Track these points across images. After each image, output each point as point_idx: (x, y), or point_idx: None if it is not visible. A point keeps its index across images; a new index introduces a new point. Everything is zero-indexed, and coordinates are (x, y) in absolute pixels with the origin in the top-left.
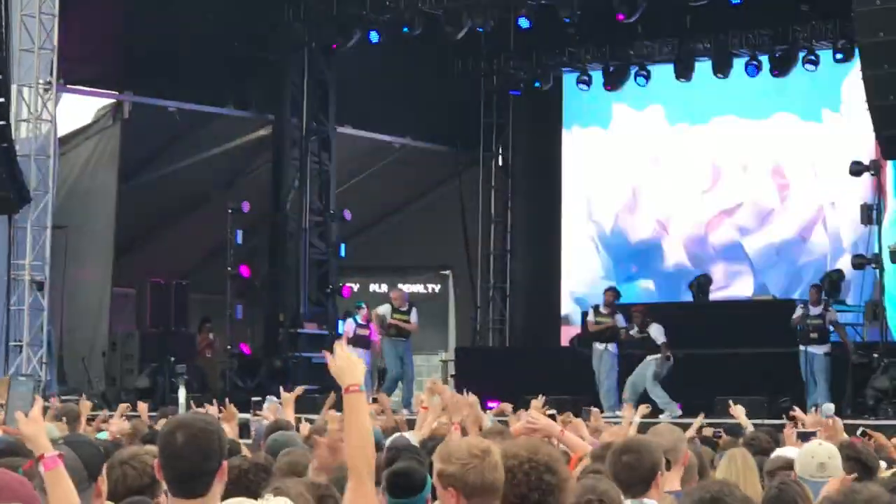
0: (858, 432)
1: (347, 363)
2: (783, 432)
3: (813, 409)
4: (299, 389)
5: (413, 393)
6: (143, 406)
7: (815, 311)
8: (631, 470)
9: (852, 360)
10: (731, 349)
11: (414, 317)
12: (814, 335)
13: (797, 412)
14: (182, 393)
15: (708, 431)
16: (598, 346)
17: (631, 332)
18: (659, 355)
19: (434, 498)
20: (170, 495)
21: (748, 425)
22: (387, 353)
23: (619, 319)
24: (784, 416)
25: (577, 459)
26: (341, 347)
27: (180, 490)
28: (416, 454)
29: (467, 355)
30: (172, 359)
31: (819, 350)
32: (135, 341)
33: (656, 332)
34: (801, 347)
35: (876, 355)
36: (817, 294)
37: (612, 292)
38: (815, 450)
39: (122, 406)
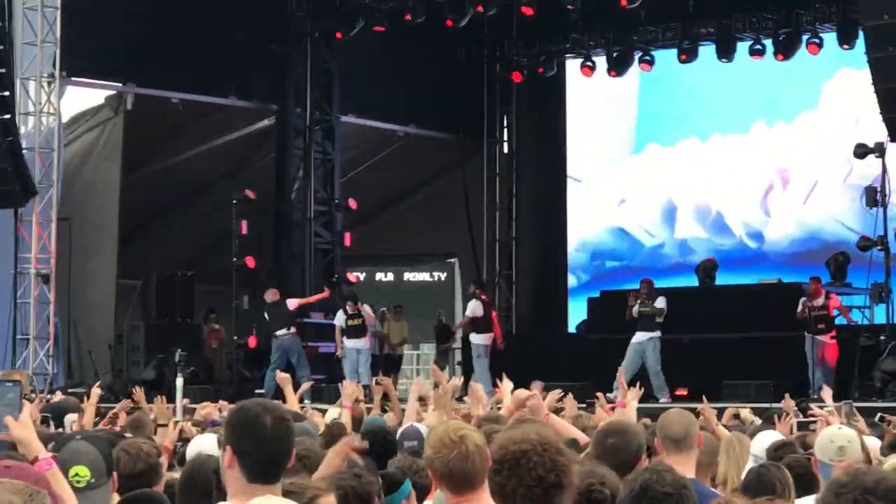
0: (877, 418)
1: None
2: (780, 418)
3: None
4: (306, 386)
5: None
6: (139, 392)
7: (818, 302)
8: (616, 452)
9: (860, 342)
10: (737, 333)
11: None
12: (821, 326)
13: (815, 410)
14: (180, 382)
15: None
16: None
17: (633, 308)
18: (656, 333)
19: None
20: (238, 480)
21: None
22: None
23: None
24: (802, 415)
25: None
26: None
27: (264, 474)
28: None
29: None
30: (179, 350)
31: (827, 338)
32: (140, 333)
33: (662, 303)
34: (808, 335)
35: (883, 337)
36: (816, 284)
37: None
38: (834, 434)
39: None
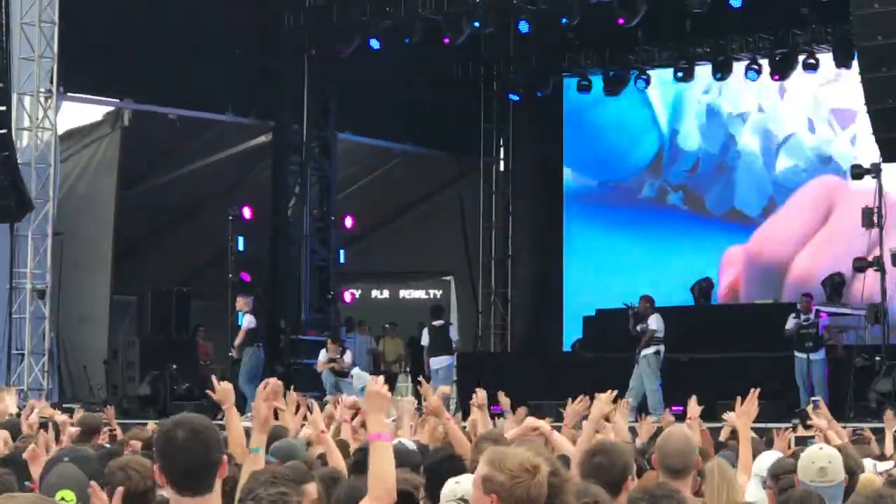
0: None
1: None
2: (778, 434)
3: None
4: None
5: None
6: (110, 411)
7: (808, 318)
8: (601, 472)
9: (855, 362)
10: (732, 353)
11: None
12: (809, 344)
13: (814, 421)
14: None
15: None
16: None
17: (638, 328)
18: (651, 350)
19: None
20: (172, 494)
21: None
22: None
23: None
24: (802, 426)
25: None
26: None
27: (186, 486)
28: (415, 464)
29: (469, 361)
30: (174, 366)
31: (816, 357)
32: (136, 349)
33: (654, 322)
34: (798, 354)
35: (878, 358)
36: (808, 303)
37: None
38: (815, 454)
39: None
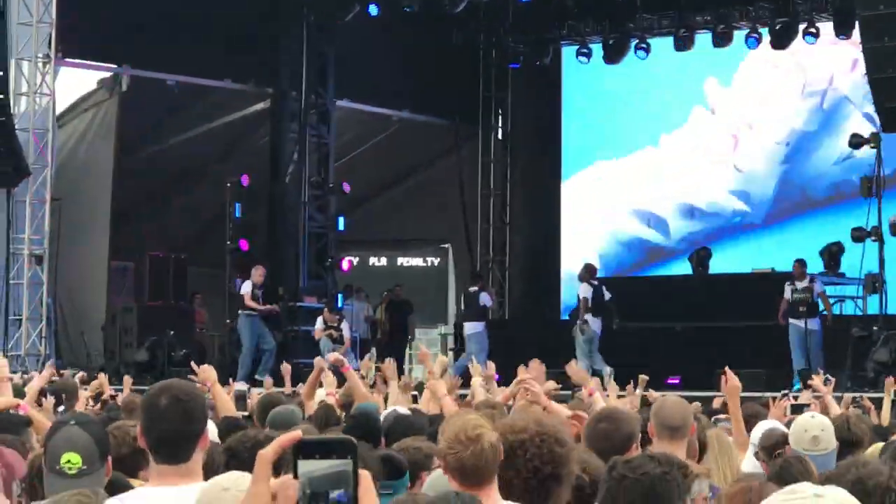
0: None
1: None
2: (774, 403)
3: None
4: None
5: None
6: (127, 380)
7: (800, 285)
8: (606, 438)
9: (853, 332)
10: (730, 322)
11: None
12: (802, 309)
13: (814, 381)
14: None
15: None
16: None
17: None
18: (585, 317)
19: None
20: (152, 462)
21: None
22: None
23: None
24: (802, 383)
25: (576, 432)
26: None
27: (163, 454)
28: (419, 429)
29: None
30: (171, 332)
31: (812, 324)
32: (133, 315)
33: (581, 290)
34: (794, 321)
35: (876, 328)
36: (801, 268)
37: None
38: (807, 423)
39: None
